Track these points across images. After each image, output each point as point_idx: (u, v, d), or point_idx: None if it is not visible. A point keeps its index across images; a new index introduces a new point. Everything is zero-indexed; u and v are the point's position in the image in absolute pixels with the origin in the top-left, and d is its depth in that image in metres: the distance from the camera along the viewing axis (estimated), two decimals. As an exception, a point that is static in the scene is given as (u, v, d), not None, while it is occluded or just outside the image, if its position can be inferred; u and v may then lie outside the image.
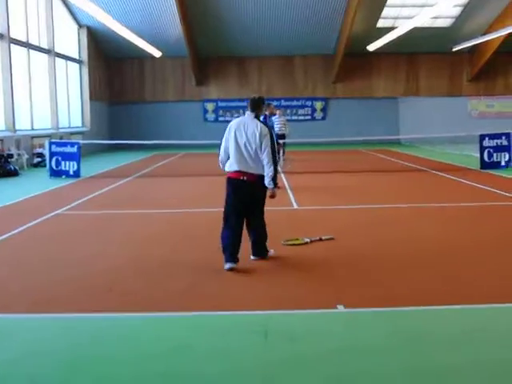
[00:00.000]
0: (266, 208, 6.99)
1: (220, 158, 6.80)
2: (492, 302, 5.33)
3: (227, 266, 6.41)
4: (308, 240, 7.73)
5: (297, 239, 7.76)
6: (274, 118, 20.46)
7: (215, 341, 4.53)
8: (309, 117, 32.48)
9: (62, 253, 7.65)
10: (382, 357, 4.14)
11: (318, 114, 32.56)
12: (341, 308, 5.16)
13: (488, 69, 31.63)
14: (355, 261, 6.92)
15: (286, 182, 14.50)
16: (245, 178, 6.56)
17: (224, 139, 6.68)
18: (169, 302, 5.51)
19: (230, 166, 6.64)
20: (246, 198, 6.62)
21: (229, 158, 6.67)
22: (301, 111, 32.47)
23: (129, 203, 12.02)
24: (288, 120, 31.33)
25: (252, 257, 6.87)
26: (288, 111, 32.24)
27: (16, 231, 8.95)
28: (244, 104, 31.71)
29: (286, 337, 4.55)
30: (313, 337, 4.57)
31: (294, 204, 11.39)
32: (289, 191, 13.03)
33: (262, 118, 12.71)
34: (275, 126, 18.15)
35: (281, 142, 17.09)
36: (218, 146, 6.79)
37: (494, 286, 5.84)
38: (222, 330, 4.78)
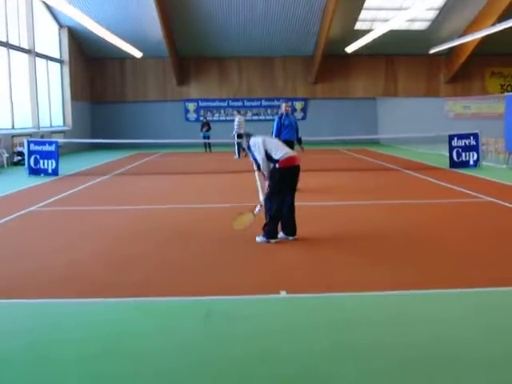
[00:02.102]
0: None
1: (262, 166, 7.95)
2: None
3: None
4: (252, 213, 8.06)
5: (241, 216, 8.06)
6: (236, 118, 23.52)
7: (159, 322, 4.93)
8: (289, 117, 32.82)
9: (28, 246, 7.98)
10: (310, 336, 4.54)
11: (298, 114, 32.96)
12: (283, 293, 5.55)
13: (464, 71, 32.30)
14: (307, 251, 7.32)
15: (258, 181, 14.88)
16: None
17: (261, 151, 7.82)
18: (125, 290, 5.87)
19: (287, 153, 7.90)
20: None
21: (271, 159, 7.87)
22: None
23: (102, 200, 12.37)
24: (269, 120, 32.01)
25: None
26: (268, 111, 32.71)
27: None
28: (225, 104, 32.19)
29: (227, 318, 4.94)
30: (252, 318, 4.96)
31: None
32: (259, 189, 13.42)
33: (277, 117, 12.97)
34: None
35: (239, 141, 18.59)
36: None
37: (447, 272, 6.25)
38: (167, 314, 5.17)
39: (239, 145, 22.26)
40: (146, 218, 10.17)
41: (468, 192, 12.40)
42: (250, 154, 8.10)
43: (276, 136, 12.85)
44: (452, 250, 7.35)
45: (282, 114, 13.17)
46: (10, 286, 6.02)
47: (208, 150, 27.37)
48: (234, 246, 7.64)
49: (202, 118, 29.73)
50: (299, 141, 13.57)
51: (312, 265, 6.74)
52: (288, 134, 13.11)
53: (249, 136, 8.16)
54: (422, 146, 25.98)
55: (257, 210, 8.01)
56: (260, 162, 7.90)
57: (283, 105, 13.29)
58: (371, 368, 3.95)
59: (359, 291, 5.64)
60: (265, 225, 7.81)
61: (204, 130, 27.56)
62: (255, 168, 7.90)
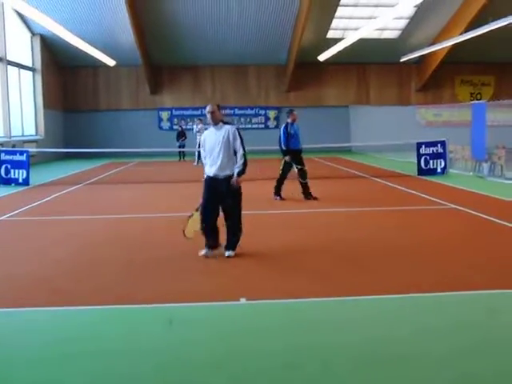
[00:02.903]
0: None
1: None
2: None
3: None
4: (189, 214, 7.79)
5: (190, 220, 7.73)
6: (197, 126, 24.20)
7: (122, 328, 5.04)
8: (262, 125, 33.15)
9: (-2, 256, 8.03)
10: (269, 337, 4.69)
11: (272, 123, 33.24)
12: (243, 300, 5.69)
13: (435, 79, 32.84)
14: (266, 258, 7.49)
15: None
16: None
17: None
18: (92, 297, 5.96)
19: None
20: None
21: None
22: (254, 119, 33.13)
23: (71, 209, 12.39)
24: (242, 128, 32.09)
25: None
26: (242, 119, 32.90)
27: None
28: (198, 113, 32.28)
29: (189, 324, 5.08)
30: (211, 323, 5.11)
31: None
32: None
33: (283, 127, 12.90)
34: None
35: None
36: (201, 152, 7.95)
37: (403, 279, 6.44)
38: (131, 320, 5.28)
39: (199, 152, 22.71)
40: (113, 226, 10.25)
41: (432, 199, 12.66)
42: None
43: (285, 146, 12.84)
44: (404, 256, 7.55)
45: (287, 123, 12.99)
46: (-25, 296, 6.08)
47: (182, 158, 27.46)
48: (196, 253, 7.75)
49: (177, 128, 29.58)
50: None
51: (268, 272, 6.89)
52: (295, 143, 13.02)
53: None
54: (393, 154, 26.35)
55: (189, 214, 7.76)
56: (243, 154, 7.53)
57: (292, 113, 13.13)
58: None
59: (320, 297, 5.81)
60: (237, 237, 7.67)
61: (181, 139, 27.48)
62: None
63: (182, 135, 27.56)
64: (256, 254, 7.75)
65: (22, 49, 27.64)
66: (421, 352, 4.44)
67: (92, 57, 27.22)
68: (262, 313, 5.47)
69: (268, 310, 5.52)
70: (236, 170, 7.46)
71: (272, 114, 33.23)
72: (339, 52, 27.64)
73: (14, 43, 26.36)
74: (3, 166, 17.20)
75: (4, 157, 17.32)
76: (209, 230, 7.56)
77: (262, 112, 33.12)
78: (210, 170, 7.53)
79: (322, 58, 29.32)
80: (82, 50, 25.88)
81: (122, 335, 4.93)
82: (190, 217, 7.67)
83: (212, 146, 7.48)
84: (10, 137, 25.05)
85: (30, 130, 28.31)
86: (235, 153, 7.48)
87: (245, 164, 7.48)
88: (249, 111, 33.00)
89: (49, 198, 14.02)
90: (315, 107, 33.12)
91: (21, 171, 17.22)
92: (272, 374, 4.11)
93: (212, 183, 7.52)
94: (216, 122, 7.48)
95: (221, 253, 7.58)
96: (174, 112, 32.57)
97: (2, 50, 24.80)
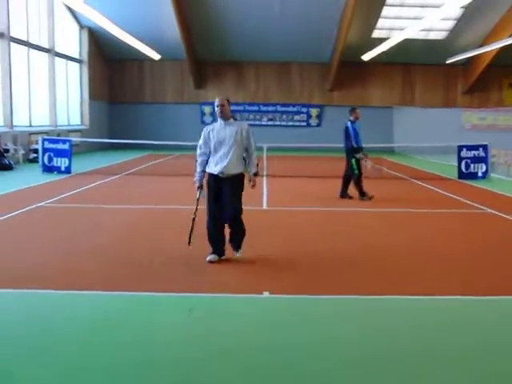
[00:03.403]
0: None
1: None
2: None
3: None
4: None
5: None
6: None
7: (145, 316, 5.14)
8: (304, 123, 33.07)
9: (30, 239, 8.26)
10: (285, 331, 4.73)
11: (314, 121, 33.14)
12: (266, 294, 5.74)
13: (482, 81, 32.20)
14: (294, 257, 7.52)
15: (264, 185, 15.08)
16: None
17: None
18: (119, 283, 6.09)
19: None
20: None
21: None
22: (296, 117, 33.07)
23: (108, 198, 12.63)
24: (283, 125, 32.27)
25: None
26: (284, 116, 32.91)
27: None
28: (241, 108, 32.40)
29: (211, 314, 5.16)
30: (232, 316, 5.17)
31: (264, 205, 12.01)
32: (264, 193, 13.62)
33: (349, 123, 12.65)
34: None
35: None
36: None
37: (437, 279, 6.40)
38: (155, 308, 5.39)
39: None
40: (147, 216, 10.41)
41: (470, 203, 12.47)
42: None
43: (356, 143, 12.62)
44: (435, 259, 7.48)
45: (352, 121, 12.76)
46: (12, 277, 6.28)
47: None
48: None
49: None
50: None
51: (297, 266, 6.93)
52: (361, 140, 12.82)
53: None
54: (435, 156, 25.96)
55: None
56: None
57: (355, 111, 12.92)
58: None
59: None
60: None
61: None
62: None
63: None
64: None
65: (70, 41, 28.20)
66: None
67: (138, 50, 27.63)
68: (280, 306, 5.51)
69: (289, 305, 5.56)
70: (253, 171, 7.14)
71: (314, 112, 33.13)
72: (384, 52, 27.40)
73: (63, 35, 26.91)
74: (46, 154, 17.61)
75: (47, 145, 17.74)
76: (216, 235, 7.10)
77: (305, 110, 33.04)
78: (215, 168, 6.98)
79: (366, 57, 29.10)
80: (128, 44, 26.30)
81: (144, 323, 5.03)
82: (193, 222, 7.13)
83: (220, 142, 6.94)
84: (56, 126, 25.62)
85: (75, 120, 28.88)
86: (245, 151, 7.11)
87: (257, 164, 7.25)
88: (291, 108, 32.96)
89: (87, 187, 14.30)
90: (359, 107, 32.67)
91: (63, 159, 17.59)
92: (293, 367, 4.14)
93: (216, 183, 7.00)
94: (226, 116, 6.99)
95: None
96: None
97: (50, 42, 25.37)
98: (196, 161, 7.19)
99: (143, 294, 5.79)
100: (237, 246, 7.26)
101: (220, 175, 6.93)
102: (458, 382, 3.98)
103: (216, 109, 6.94)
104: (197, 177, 7.13)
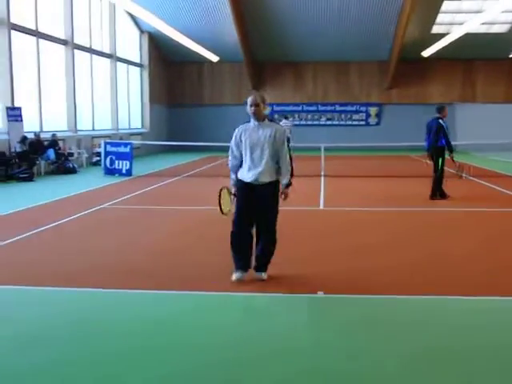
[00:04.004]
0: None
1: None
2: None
3: None
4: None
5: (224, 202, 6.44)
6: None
7: (201, 316, 5.27)
8: (363, 122, 32.83)
9: (92, 241, 8.54)
10: (334, 333, 4.75)
11: (373, 120, 32.86)
12: (320, 293, 5.78)
13: (547, 75, 31.22)
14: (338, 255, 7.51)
15: (322, 184, 15.08)
16: None
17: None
18: (171, 283, 6.25)
19: None
20: None
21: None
22: (355, 116, 32.88)
23: (168, 200, 12.89)
24: (342, 125, 32.14)
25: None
26: (343, 116, 32.76)
27: (63, 221, 9.95)
28: (299, 108, 32.44)
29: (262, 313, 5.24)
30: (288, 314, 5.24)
31: (321, 205, 12.02)
32: (322, 193, 13.63)
33: (441, 121, 12.21)
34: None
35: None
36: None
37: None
38: (211, 308, 5.51)
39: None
40: (208, 218, 10.58)
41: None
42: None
43: (448, 143, 12.20)
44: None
45: (441, 118, 12.35)
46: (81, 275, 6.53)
47: None
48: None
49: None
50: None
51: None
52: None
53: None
54: (498, 154, 25.30)
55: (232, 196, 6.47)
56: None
57: (445, 109, 12.59)
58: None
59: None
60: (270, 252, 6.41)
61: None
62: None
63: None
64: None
65: (131, 46, 28.85)
66: None
67: (196, 53, 28.07)
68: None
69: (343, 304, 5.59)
70: (284, 181, 6.24)
71: (373, 110, 32.85)
72: (444, 47, 26.92)
73: (124, 41, 27.57)
74: (108, 157, 18.10)
75: (109, 148, 18.24)
76: (242, 249, 6.30)
77: (364, 109, 32.82)
78: (247, 174, 6.22)
79: (426, 53, 28.65)
80: (186, 47, 26.73)
81: (200, 325, 5.15)
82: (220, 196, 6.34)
83: (254, 145, 6.18)
84: (118, 129, 26.27)
85: (136, 124, 29.53)
86: (278, 157, 6.23)
87: (292, 173, 6.39)
88: (349, 108, 32.79)
89: (148, 189, 14.63)
90: (418, 104, 32.39)
91: (124, 162, 18.05)
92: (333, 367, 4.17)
93: (248, 191, 6.23)
94: (260, 117, 6.18)
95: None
96: (276, 108, 32.84)
97: (112, 48, 26.04)
98: (228, 164, 6.54)
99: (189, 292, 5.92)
100: (263, 264, 6.34)
101: (254, 183, 6.18)
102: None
103: (249, 108, 6.14)
104: (231, 183, 6.44)
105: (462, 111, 31.60)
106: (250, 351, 4.43)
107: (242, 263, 6.26)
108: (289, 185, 6.26)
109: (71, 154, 20.72)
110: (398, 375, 4.00)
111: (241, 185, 6.28)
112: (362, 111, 32.85)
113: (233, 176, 6.41)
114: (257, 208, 6.22)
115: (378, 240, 8.41)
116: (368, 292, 5.85)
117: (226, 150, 24.24)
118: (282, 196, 6.28)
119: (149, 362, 4.19)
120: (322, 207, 11.77)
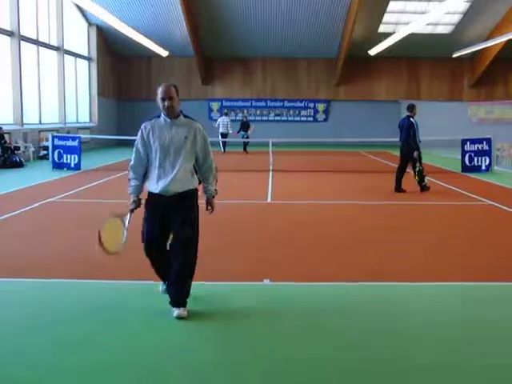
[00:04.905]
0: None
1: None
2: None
3: None
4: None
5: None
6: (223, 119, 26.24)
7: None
8: (311, 118, 33.32)
9: (38, 235, 8.56)
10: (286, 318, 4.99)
11: (320, 116, 33.38)
12: (266, 281, 6.02)
13: (488, 75, 32.29)
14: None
15: (270, 181, 15.35)
16: None
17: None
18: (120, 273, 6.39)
19: None
20: None
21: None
22: (303, 112, 33.33)
23: (117, 194, 12.92)
24: (290, 121, 32.45)
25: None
26: (291, 112, 33.15)
27: (9, 215, 9.89)
28: (248, 104, 32.69)
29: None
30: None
31: (269, 198, 12.29)
32: (270, 188, 13.89)
33: (412, 120, 12.81)
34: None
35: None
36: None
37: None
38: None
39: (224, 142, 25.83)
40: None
41: (469, 195, 12.69)
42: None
43: (418, 140, 12.89)
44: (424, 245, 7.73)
45: (412, 116, 13.03)
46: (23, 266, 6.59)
47: (245, 149, 26.19)
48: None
49: (242, 118, 28.05)
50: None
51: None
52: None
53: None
54: (441, 150, 26.10)
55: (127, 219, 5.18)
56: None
57: (414, 107, 13.22)
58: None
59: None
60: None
61: (245, 130, 26.27)
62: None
63: (246, 126, 26.46)
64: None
65: (79, 38, 28.50)
66: None
67: (146, 47, 27.93)
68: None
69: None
70: (211, 190, 5.22)
71: (321, 107, 33.34)
72: (390, 46, 27.56)
73: (71, 33, 27.21)
74: (56, 151, 17.95)
75: (57, 142, 18.08)
76: (162, 263, 5.17)
77: (312, 105, 33.27)
78: (157, 184, 5.03)
79: (372, 52, 29.26)
80: (136, 41, 26.59)
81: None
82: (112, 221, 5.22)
83: (165, 147, 5.02)
84: (65, 123, 25.97)
85: (84, 118, 29.22)
86: (196, 161, 5.19)
87: (216, 179, 5.35)
88: (298, 104, 33.19)
89: (96, 183, 14.62)
90: (365, 101, 33.09)
91: (73, 156, 17.93)
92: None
93: (160, 205, 5.05)
94: (175, 113, 5.05)
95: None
96: (225, 103, 32.99)
97: (59, 40, 25.69)
98: (129, 171, 5.24)
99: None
100: (182, 294, 5.02)
101: (165, 194, 5.01)
102: None
103: (160, 103, 4.96)
104: (131, 190, 5.17)
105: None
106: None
107: (167, 275, 5.18)
108: (215, 194, 5.25)
109: (18, 148, 20.40)
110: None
111: (151, 197, 5.09)
112: (310, 107, 33.30)
113: (133, 182, 5.16)
114: (171, 224, 5.03)
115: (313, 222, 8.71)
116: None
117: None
118: (209, 208, 5.22)
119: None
120: (269, 201, 12.04)
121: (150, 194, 5.09)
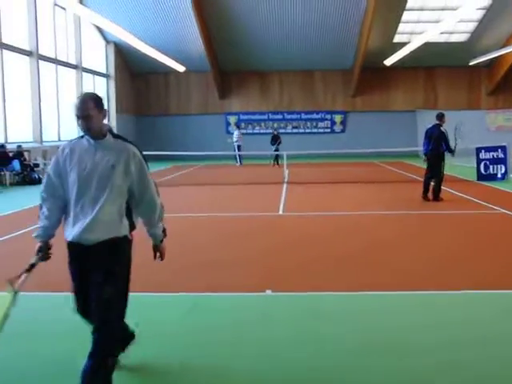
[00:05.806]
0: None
1: None
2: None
3: None
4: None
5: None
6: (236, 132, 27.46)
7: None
8: (328, 130, 33.36)
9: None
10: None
11: (338, 127, 33.40)
12: (268, 292, 6.09)
13: (506, 82, 32.07)
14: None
15: (284, 191, 15.42)
16: None
17: None
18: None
19: None
20: None
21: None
22: (321, 124, 33.39)
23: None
24: (308, 133, 32.52)
25: None
26: (308, 124, 33.26)
27: (20, 232, 10.10)
28: (265, 117, 32.86)
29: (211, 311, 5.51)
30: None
31: (281, 211, 12.34)
32: (282, 198, 13.96)
33: (441, 128, 12.86)
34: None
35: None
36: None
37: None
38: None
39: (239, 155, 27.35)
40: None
41: (485, 204, 12.62)
42: None
43: (448, 147, 13.01)
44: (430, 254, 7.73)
45: (441, 125, 13.10)
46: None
47: (276, 162, 25.61)
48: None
49: (273, 131, 27.91)
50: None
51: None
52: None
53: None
54: (459, 159, 25.90)
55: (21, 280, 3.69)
56: None
57: (444, 115, 13.30)
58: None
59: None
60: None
61: (276, 144, 26.17)
62: None
63: (276, 139, 26.38)
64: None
65: (97, 56, 28.95)
66: None
67: (162, 63, 28.28)
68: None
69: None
70: (156, 234, 4.00)
71: (338, 118, 33.39)
72: (406, 56, 27.58)
73: (89, 51, 27.67)
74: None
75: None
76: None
77: (329, 116, 33.33)
78: (73, 228, 3.68)
79: (388, 62, 29.28)
80: (153, 57, 26.94)
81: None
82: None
83: (84, 178, 3.65)
84: (84, 140, 26.27)
85: (103, 134, 29.50)
86: (132, 197, 3.83)
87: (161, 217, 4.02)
88: (315, 116, 33.28)
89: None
90: (382, 112, 33.06)
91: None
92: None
93: (77, 258, 3.75)
94: (97, 131, 3.75)
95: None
96: (242, 116, 33.19)
97: (77, 58, 26.14)
98: (40, 207, 3.86)
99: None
100: (99, 376, 3.53)
101: (83, 243, 3.67)
102: None
103: (77, 121, 3.73)
104: (37, 233, 3.81)
105: (424, 118, 32.11)
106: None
107: None
108: (163, 238, 4.05)
109: (37, 165, 20.75)
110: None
111: (68, 248, 3.80)
112: (327, 119, 33.36)
113: (41, 222, 3.81)
114: (91, 282, 3.67)
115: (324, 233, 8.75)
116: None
117: (192, 159, 24.69)
118: (158, 256, 4.07)
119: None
120: (281, 213, 12.10)
121: (67, 242, 3.76)
